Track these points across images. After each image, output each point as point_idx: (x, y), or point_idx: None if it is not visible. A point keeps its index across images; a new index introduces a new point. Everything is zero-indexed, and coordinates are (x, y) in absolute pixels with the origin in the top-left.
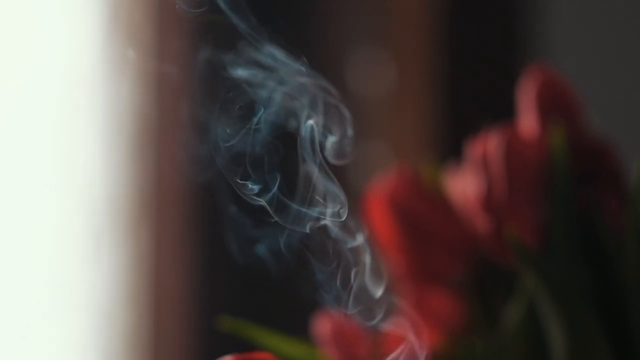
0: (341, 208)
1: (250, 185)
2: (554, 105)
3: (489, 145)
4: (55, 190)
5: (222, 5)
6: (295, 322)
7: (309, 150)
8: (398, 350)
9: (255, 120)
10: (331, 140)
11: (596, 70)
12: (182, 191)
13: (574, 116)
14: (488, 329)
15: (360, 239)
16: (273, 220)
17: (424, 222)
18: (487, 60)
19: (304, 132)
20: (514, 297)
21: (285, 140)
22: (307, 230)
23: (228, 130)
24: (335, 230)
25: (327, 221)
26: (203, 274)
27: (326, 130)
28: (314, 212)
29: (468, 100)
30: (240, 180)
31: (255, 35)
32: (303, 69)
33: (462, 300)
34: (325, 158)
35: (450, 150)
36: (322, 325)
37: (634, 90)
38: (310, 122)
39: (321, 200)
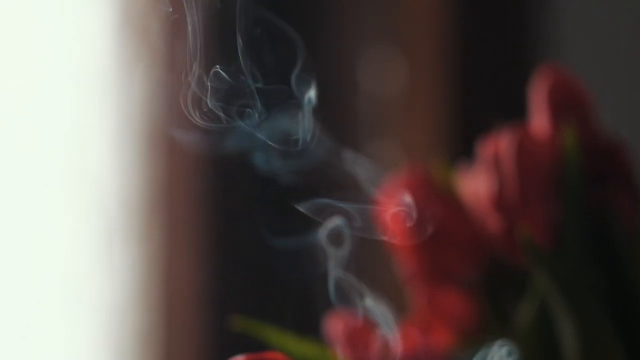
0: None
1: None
2: (565, 104)
3: (500, 144)
4: (67, 190)
5: (234, 5)
6: (307, 322)
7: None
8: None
9: (266, 118)
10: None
11: (608, 70)
12: (193, 190)
13: (586, 116)
14: (499, 329)
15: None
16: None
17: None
18: (498, 60)
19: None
20: (525, 297)
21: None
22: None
23: (240, 128)
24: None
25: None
26: (215, 274)
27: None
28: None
29: (479, 99)
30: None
31: (267, 35)
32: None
33: (474, 300)
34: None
35: (462, 150)
36: (334, 325)
37: None
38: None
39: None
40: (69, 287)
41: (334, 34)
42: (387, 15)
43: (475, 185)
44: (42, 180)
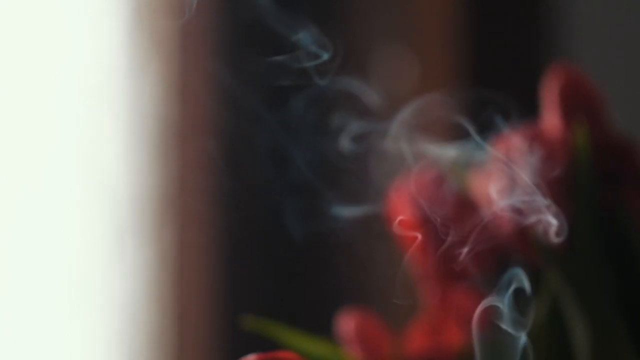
0: None
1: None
2: (577, 104)
3: (512, 143)
4: (79, 189)
5: (246, 4)
6: (319, 321)
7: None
8: None
9: (278, 116)
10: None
11: (620, 69)
12: (206, 190)
13: (598, 115)
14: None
15: None
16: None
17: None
18: (510, 60)
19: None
20: (538, 295)
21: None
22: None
23: (251, 127)
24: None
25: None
26: (227, 273)
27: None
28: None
29: (491, 99)
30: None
31: (279, 34)
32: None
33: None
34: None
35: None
36: (346, 324)
37: None
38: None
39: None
40: (81, 286)
41: (345, 33)
42: (399, 15)
43: (487, 184)
44: (55, 179)
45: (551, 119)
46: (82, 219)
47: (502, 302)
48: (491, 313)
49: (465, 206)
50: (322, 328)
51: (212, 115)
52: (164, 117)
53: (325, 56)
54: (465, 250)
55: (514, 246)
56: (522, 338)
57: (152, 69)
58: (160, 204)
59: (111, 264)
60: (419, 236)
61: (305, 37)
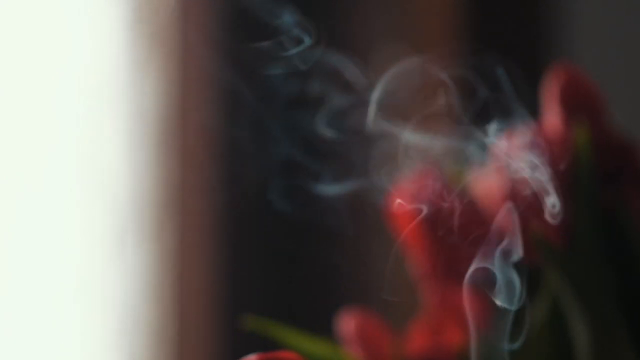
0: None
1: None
2: (578, 103)
3: (512, 143)
4: (79, 189)
5: (246, 3)
6: (319, 321)
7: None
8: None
9: (278, 117)
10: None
11: (620, 69)
12: (206, 189)
13: (598, 114)
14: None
15: None
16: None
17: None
18: (510, 59)
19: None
20: (538, 295)
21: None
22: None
23: (252, 129)
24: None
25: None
26: (227, 273)
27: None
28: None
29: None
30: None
31: (280, 32)
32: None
33: (486, 299)
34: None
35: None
36: (346, 324)
37: None
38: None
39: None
40: (82, 286)
41: (345, 33)
42: (399, 15)
43: (487, 183)
44: (55, 180)
45: (551, 119)
46: (83, 219)
47: (493, 265)
48: (487, 302)
49: (466, 204)
50: (322, 328)
51: (213, 114)
52: (164, 117)
53: (309, 41)
54: (465, 248)
55: (514, 244)
56: (514, 312)
57: (152, 68)
58: (160, 204)
59: (111, 264)
60: (417, 231)
61: (291, 23)
